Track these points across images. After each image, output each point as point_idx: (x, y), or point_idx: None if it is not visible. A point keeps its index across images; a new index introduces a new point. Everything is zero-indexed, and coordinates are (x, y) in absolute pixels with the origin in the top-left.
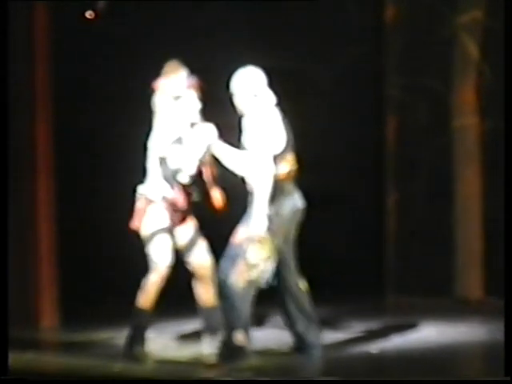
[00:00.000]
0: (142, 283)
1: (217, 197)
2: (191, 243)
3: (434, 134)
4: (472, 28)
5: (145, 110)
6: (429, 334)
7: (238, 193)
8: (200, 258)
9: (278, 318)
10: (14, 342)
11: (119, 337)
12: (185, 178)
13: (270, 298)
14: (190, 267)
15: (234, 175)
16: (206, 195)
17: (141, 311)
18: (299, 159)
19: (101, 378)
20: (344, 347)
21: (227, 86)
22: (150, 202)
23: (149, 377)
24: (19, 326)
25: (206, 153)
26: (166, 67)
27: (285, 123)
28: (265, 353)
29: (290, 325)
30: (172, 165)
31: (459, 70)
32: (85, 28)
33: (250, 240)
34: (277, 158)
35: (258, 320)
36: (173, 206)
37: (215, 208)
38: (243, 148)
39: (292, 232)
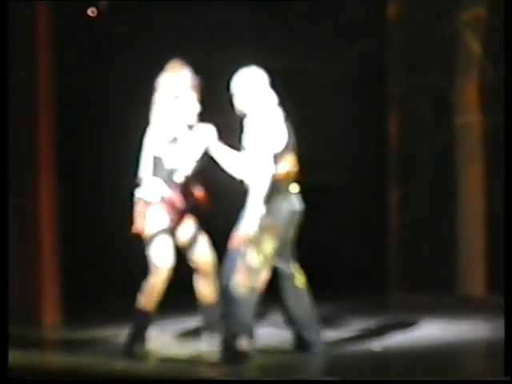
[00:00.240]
0: (143, 285)
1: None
2: (192, 240)
3: (436, 131)
4: (474, 25)
5: (147, 109)
6: (431, 331)
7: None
8: (202, 254)
9: (278, 316)
10: (16, 340)
11: (121, 335)
12: (180, 177)
13: (270, 297)
14: (192, 264)
15: (233, 178)
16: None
17: (142, 312)
18: (301, 159)
19: (103, 376)
20: (346, 345)
21: (228, 86)
22: (148, 204)
23: (151, 375)
24: (21, 323)
25: (204, 154)
26: (169, 65)
27: (287, 123)
28: (266, 351)
29: (291, 323)
30: (168, 165)
31: (462, 68)
32: (87, 27)
33: (249, 243)
34: (276, 157)
35: (259, 318)
36: (171, 206)
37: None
38: (243, 148)
39: (290, 233)
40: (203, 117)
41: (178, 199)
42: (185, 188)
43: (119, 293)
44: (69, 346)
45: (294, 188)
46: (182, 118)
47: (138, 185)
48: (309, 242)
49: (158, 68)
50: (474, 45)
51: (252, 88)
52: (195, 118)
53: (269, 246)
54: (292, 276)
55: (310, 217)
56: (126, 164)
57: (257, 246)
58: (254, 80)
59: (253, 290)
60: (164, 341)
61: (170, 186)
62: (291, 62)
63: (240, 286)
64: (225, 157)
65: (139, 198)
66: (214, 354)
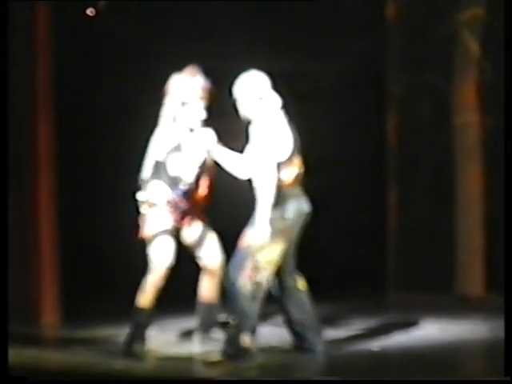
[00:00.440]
0: (142, 283)
1: (203, 187)
2: (201, 239)
3: (435, 131)
4: (473, 25)
5: (147, 110)
6: (430, 331)
7: (246, 195)
8: (211, 253)
9: (278, 316)
10: (16, 339)
11: (121, 334)
12: (184, 185)
13: (270, 296)
14: (200, 262)
15: (236, 179)
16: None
17: (140, 310)
18: (305, 161)
19: (102, 376)
20: (346, 345)
21: (229, 90)
22: (152, 205)
23: (150, 374)
24: (20, 322)
25: (205, 158)
26: (184, 70)
27: (291, 126)
28: (266, 350)
29: (291, 323)
30: (172, 172)
31: (461, 68)
32: (86, 27)
33: (257, 244)
34: (284, 163)
35: (260, 317)
36: (175, 207)
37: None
38: (248, 152)
39: (296, 234)
40: (205, 121)
41: (181, 201)
42: (188, 190)
43: (118, 292)
44: (68, 345)
45: (301, 190)
46: (187, 124)
47: (140, 187)
48: (308, 243)
49: (158, 67)
50: (472, 45)
51: (255, 93)
52: (199, 124)
53: (278, 247)
54: (293, 277)
55: (310, 218)
56: (125, 164)
57: (265, 248)
58: (256, 84)
59: (259, 288)
60: (164, 340)
61: (173, 190)
62: (291, 62)
63: (247, 285)
64: (227, 158)
65: (143, 202)
66: (211, 353)
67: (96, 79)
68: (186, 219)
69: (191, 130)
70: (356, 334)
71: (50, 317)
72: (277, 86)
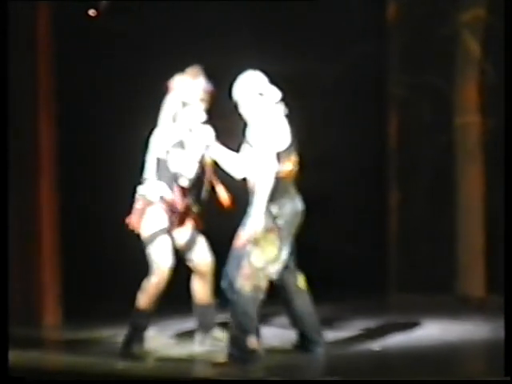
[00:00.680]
0: (143, 284)
1: (223, 193)
2: (191, 241)
3: (436, 131)
4: (474, 26)
5: (149, 109)
6: (431, 331)
7: (240, 194)
8: (201, 255)
9: (279, 317)
10: (17, 340)
11: (121, 335)
12: (185, 181)
13: (271, 297)
14: (191, 264)
15: (232, 178)
16: (212, 193)
17: (140, 312)
18: (301, 159)
19: (103, 376)
20: (347, 345)
21: (228, 89)
22: (148, 202)
23: (151, 375)
24: (22, 323)
25: (204, 155)
26: (187, 70)
27: (288, 123)
28: (268, 351)
29: (292, 323)
30: (173, 168)
31: (461, 68)
32: (88, 27)
33: (254, 242)
34: (280, 156)
35: (261, 318)
36: (171, 208)
37: (222, 205)
38: (245, 148)
39: (292, 233)
40: (204, 123)
41: (178, 201)
42: (186, 190)
43: (119, 293)
44: (70, 345)
45: (296, 189)
46: (186, 124)
47: (141, 184)
48: (309, 243)
49: (159, 67)
50: (473, 45)
51: (254, 90)
52: (198, 125)
53: (273, 246)
54: (293, 276)
55: (310, 217)
56: (128, 164)
57: (261, 247)
58: (255, 82)
59: (258, 289)
60: (163, 341)
61: (172, 189)
62: (291, 63)
63: (246, 286)
64: (224, 157)
65: (141, 195)
66: (212, 353)
67: (97, 79)
68: (181, 221)
69: (190, 131)
70: (357, 334)
71: (51, 318)
72: (278, 85)
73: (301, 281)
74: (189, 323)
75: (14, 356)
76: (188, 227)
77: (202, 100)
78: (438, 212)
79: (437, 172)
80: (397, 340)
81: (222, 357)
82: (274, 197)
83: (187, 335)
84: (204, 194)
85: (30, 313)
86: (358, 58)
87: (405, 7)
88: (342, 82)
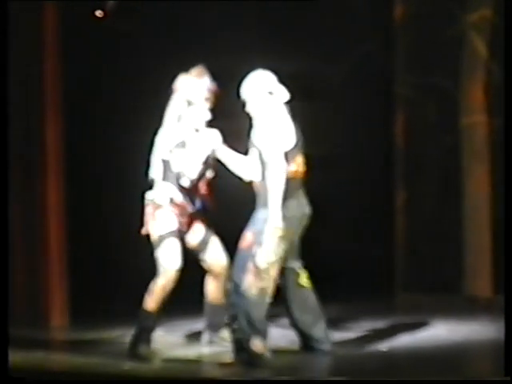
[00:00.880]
0: (150, 286)
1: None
2: (204, 242)
3: (442, 132)
4: (481, 26)
5: (155, 109)
6: (438, 332)
7: (244, 197)
8: (215, 256)
9: (285, 318)
10: (24, 342)
11: (129, 335)
12: (186, 182)
13: (277, 298)
14: (205, 265)
15: (240, 179)
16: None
17: (148, 313)
18: (308, 160)
19: (110, 377)
20: (353, 345)
21: (237, 90)
22: (158, 206)
23: (158, 376)
24: (29, 325)
25: (209, 157)
26: (192, 70)
27: (296, 124)
28: (274, 351)
29: (298, 324)
30: (175, 168)
31: (468, 69)
32: (94, 27)
33: (259, 244)
34: (286, 157)
35: (268, 319)
36: (180, 209)
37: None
38: (252, 148)
39: (297, 235)
40: (210, 122)
41: (186, 202)
42: (193, 191)
43: (126, 294)
44: (77, 346)
45: (302, 191)
46: (192, 124)
47: (148, 186)
48: (316, 243)
49: (166, 68)
50: (480, 46)
51: (263, 89)
52: (203, 124)
53: (278, 248)
54: (298, 276)
55: (317, 217)
56: (134, 164)
57: (267, 248)
58: (264, 81)
59: (264, 290)
60: (170, 342)
61: (178, 189)
62: (298, 63)
63: (251, 288)
64: (231, 159)
65: (149, 200)
66: (219, 354)
67: (103, 79)
68: (191, 222)
69: (196, 131)
70: (364, 334)
71: (58, 319)
72: (284, 85)
73: (306, 281)
74: (196, 324)
75: (22, 357)
76: (201, 227)
77: (206, 99)
78: (444, 212)
79: (443, 172)
80: (404, 340)
81: (228, 357)
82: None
83: (195, 336)
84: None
85: (38, 314)
86: (365, 58)
87: (411, 8)
88: (348, 82)
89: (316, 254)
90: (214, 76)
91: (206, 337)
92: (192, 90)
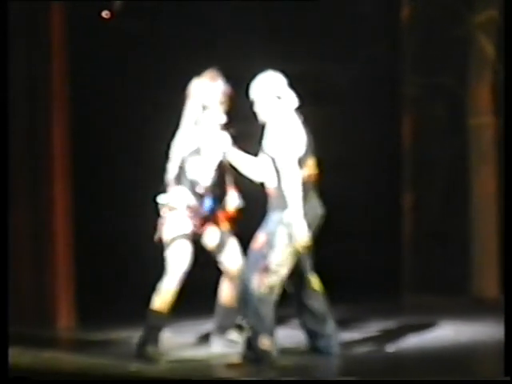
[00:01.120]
0: (158, 286)
1: (233, 199)
2: (221, 244)
3: (450, 133)
4: (488, 27)
5: (166, 111)
6: (445, 332)
7: (256, 198)
8: (231, 258)
9: (294, 318)
10: (32, 342)
11: (136, 336)
12: (201, 189)
13: (286, 299)
14: (222, 267)
15: (251, 181)
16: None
17: (156, 314)
18: (319, 163)
19: (117, 378)
20: (361, 346)
21: (246, 92)
22: (172, 209)
23: (166, 377)
24: (36, 325)
25: (221, 161)
26: (205, 73)
27: (305, 127)
28: (282, 352)
29: (307, 325)
30: (190, 175)
31: (475, 70)
32: (101, 27)
33: (270, 245)
34: (299, 162)
35: (276, 319)
36: (195, 213)
37: (227, 210)
38: (263, 153)
39: (310, 237)
40: (225, 125)
41: (200, 205)
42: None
43: (134, 294)
44: (84, 347)
45: (315, 192)
46: (207, 128)
47: (162, 190)
48: (324, 245)
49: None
50: (487, 47)
51: (272, 92)
52: (218, 128)
53: (289, 249)
54: (308, 278)
55: (325, 219)
56: (142, 167)
57: (278, 250)
58: (274, 84)
59: (272, 289)
60: (178, 343)
61: (192, 193)
62: (306, 64)
63: (261, 287)
64: (242, 161)
65: (164, 205)
66: (228, 355)
67: (113, 80)
68: (205, 225)
69: (209, 135)
70: (372, 335)
71: (65, 320)
72: (293, 88)
73: (315, 282)
74: (205, 325)
75: (30, 357)
76: (218, 230)
77: (221, 103)
78: (452, 213)
79: (451, 173)
80: (411, 341)
81: (236, 359)
82: None
83: (203, 337)
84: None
85: (45, 314)
86: (372, 59)
87: (419, 8)
88: (355, 84)
89: (324, 256)
90: (225, 76)
91: (214, 338)
92: (206, 94)
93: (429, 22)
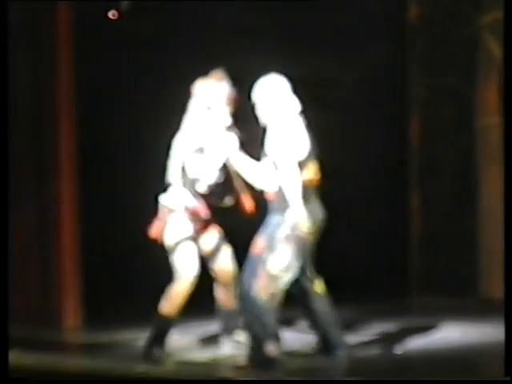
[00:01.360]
0: (167, 291)
1: (247, 201)
2: (216, 250)
3: (457, 133)
4: (495, 28)
5: (171, 111)
6: (452, 334)
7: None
8: (223, 264)
9: (301, 320)
10: (38, 343)
11: (142, 338)
12: (203, 187)
13: (291, 302)
14: (213, 273)
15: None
16: (237, 200)
17: (164, 318)
18: (322, 164)
19: (124, 379)
20: (368, 348)
21: (248, 94)
22: (171, 211)
23: (172, 378)
24: (42, 326)
25: (226, 162)
26: (210, 74)
27: (308, 130)
28: (289, 355)
29: (312, 328)
30: (191, 174)
31: (483, 70)
32: (109, 28)
33: (270, 249)
34: (300, 165)
35: (282, 322)
36: (195, 215)
37: (246, 212)
38: (265, 157)
39: (311, 242)
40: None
41: (202, 209)
42: (209, 197)
43: (140, 296)
44: (90, 348)
45: (316, 196)
46: (211, 129)
47: (163, 189)
48: (329, 246)
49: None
50: (494, 47)
51: (275, 96)
52: (223, 129)
53: (290, 254)
54: (311, 282)
55: (330, 220)
56: (149, 167)
57: (278, 254)
58: (276, 87)
59: (274, 295)
60: (185, 344)
61: (194, 195)
62: (311, 66)
63: (261, 293)
64: (246, 166)
65: (163, 206)
66: (235, 357)
67: (119, 80)
68: (205, 228)
69: (214, 136)
70: (378, 337)
71: (72, 320)
72: (297, 90)
73: (319, 286)
74: (211, 326)
75: (35, 358)
76: (214, 235)
77: (226, 104)
78: (459, 214)
79: (458, 174)
80: (418, 342)
81: (243, 360)
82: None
83: (210, 338)
84: (229, 199)
85: (51, 315)
86: (379, 59)
87: (426, 9)
88: (362, 85)
89: (329, 257)
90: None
91: (223, 340)
92: (211, 95)
93: (436, 23)
